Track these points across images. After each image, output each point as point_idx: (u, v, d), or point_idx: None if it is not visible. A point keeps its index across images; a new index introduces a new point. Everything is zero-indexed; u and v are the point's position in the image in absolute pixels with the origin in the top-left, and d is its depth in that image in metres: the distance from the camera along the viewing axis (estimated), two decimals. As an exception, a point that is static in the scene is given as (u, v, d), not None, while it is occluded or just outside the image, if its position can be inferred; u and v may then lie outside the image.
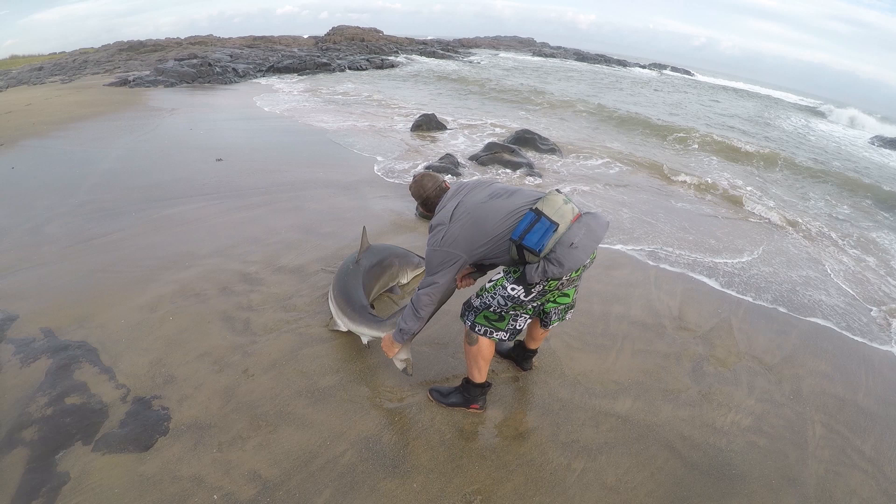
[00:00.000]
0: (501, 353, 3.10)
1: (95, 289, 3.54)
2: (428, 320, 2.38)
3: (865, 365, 3.66)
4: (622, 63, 46.04)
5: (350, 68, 18.84)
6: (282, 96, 12.20)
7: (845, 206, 8.33)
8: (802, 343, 3.84)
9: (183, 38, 23.56)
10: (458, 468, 2.31)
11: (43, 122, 8.90)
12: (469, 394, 2.58)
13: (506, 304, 2.23)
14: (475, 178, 7.01)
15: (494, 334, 2.33)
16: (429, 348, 3.16)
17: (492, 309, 2.28)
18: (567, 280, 2.14)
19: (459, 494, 2.20)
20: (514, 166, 7.75)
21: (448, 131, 9.88)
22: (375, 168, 7.03)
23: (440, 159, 7.52)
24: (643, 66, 47.97)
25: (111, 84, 13.60)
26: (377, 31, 33.88)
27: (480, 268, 2.48)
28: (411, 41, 35.33)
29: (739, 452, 2.65)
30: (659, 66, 50.67)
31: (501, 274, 2.32)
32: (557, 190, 2.16)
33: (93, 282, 3.63)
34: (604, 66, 40.58)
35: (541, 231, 1.97)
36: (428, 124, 9.65)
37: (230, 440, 2.36)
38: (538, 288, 2.14)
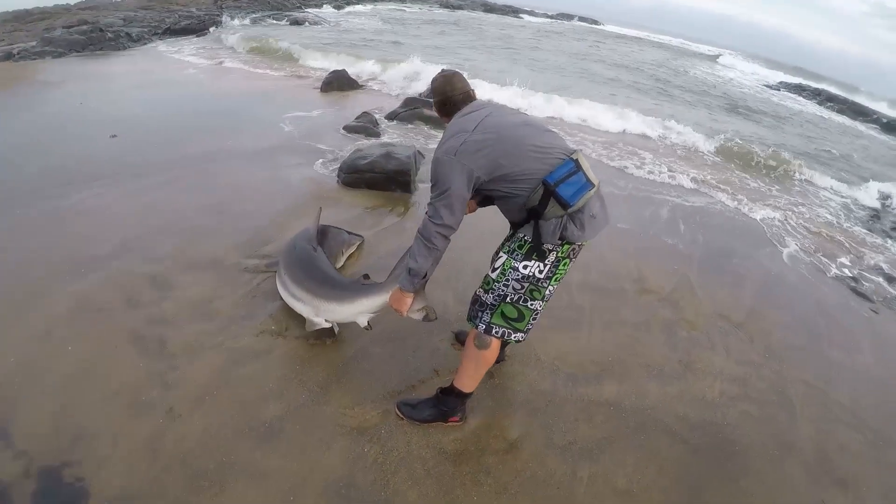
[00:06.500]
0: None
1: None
2: (440, 257, 2.03)
3: (819, 312, 3.89)
4: (530, 13, 46.58)
5: (253, 24, 17.09)
6: (180, 59, 10.69)
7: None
8: (760, 295, 3.99)
9: (72, 3, 20.33)
10: (452, 502, 1.95)
11: None
12: (447, 406, 2.24)
13: (522, 288, 1.96)
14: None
15: (513, 335, 2.05)
16: (382, 348, 2.72)
17: (508, 298, 1.99)
18: (573, 252, 1.95)
19: (457, 534, 1.85)
20: (438, 122, 7.30)
21: (359, 89, 9.12)
22: (286, 132, 6.24)
23: (357, 118, 6.87)
24: (551, 17, 48.95)
25: (-7, 59, 11.00)
26: (278, -16, 30.92)
27: (482, 202, 2.26)
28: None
29: (736, 426, 2.61)
30: (566, 17, 52.01)
31: (504, 257, 1.99)
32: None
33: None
34: (514, 19, 40.64)
35: (577, 185, 1.82)
36: (339, 82, 8.81)
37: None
38: (551, 257, 1.91)
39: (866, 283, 4.70)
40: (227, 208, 4.06)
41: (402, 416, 2.28)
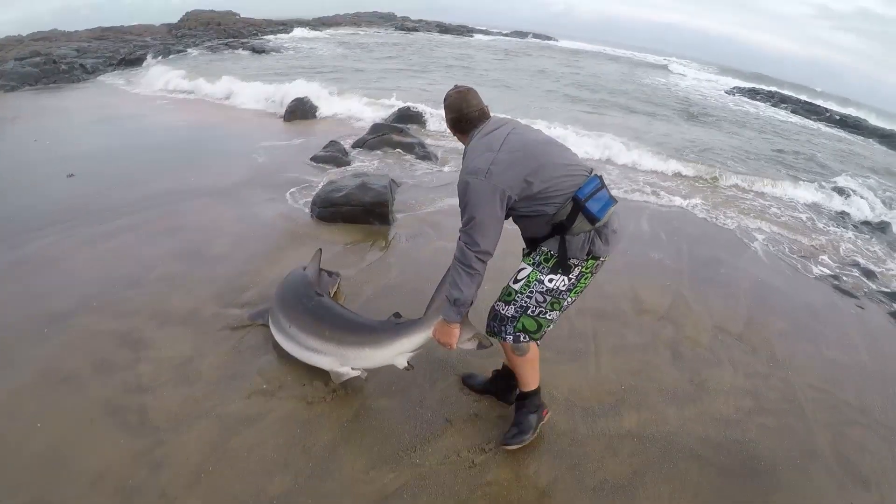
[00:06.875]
0: (477, 389, 2.69)
1: None
2: (482, 281, 2.00)
3: (811, 314, 3.99)
4: (485, 32, 47.68)
5: (211, 52, 16.88)
6: (136, 92, 10.43)
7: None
8: (753, 304, 4.07)
9: (24, 34, 19.67)
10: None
11: None
12: (535, 403, 2.36)
13: (544, 301, 2.02)
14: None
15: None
16: (386, 401, 2.58)
17: (529, 311, 2.04)
18: (595, 267, 2.02)
19: None
20: (407, 147, 7.26)
21: (324, 117, 9.04)
22: (254, 165, 6.07)
23: (325, 147, 6.75)
24: (505, 34, 50.22)
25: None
26: (234, 14, 30.93)
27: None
28: (270, 23, 32.76)
29: (757, 441, 2.63)
30: (520, 34, 53.43)
31: (529, 269, 2.02)
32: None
33: None
34: (470, 38, 41.56)
35: (602, 201, 1.91)
36: (302, 110, 8.71)
37: None
38: (576, 272, 1.97)
39: (847, 279, 4.88)
40: (198, 253, 3.88)
41: (517, 445, 2.30)
